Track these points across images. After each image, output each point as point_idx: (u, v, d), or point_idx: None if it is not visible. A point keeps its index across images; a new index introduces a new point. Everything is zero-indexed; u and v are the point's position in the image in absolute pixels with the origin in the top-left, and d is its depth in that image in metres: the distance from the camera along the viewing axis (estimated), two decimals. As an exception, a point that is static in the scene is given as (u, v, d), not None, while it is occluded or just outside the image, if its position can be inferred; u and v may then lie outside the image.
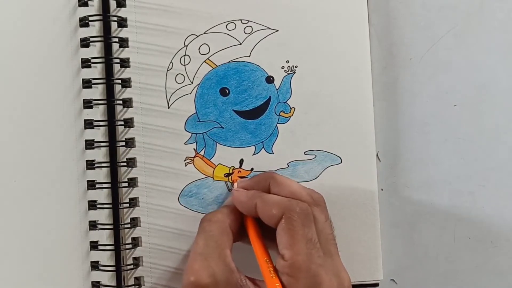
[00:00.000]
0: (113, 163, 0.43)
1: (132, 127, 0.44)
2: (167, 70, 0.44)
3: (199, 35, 0.44)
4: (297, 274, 0.35)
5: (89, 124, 0.43)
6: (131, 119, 0.44)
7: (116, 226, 0.43)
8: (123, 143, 0.43)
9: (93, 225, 0.43)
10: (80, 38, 0.43)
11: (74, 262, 0.43)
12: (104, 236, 0.43)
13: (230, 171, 0.45)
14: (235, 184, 0.43)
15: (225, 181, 0.45)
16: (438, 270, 0.47)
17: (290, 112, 0.45)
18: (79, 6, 0.44)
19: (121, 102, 0.43)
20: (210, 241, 0.38)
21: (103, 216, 0.43)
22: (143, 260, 0.44)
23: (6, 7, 0.43)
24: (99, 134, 0.43)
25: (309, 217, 0.37)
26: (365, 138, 0.45)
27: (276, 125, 0.45)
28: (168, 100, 0.44)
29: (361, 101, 0.45)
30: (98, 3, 0.43)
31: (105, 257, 0.43)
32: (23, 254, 0.43)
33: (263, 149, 0.44)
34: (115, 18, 0.43)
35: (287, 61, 0.45)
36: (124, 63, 0.44)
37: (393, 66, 0.47)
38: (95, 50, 0.43)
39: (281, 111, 0.45)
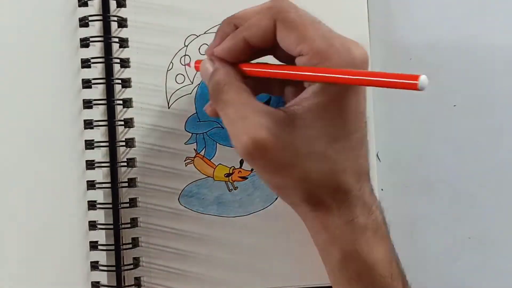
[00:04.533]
0: (113, 163, 0.43)
1: (132, 127, 0.44)
2: (167, 70, 0.44)
3: (199, 35, 0.44)
4: (326, 55, 0.33)
5: (89, 124, 0.43)
6: (131, 119, 0.44)
7: (116, 226, 0.43)
8: (123, 143, 0.43)
9: (93, 225, 0.43)
10: (80, 38, 0.43)
11: (74, 262, 0.43)
12: (104, 236, 0.43)
13: (231, 171, 0.45)
14: (203, 60, 0.38)
15: (225, 181, 0.45)
16: (438, 270, 0.47)
17: (290, 112, 0.45)
18: (79, 6, 0.43)
19: (121, 102, 0.43)
20: (235, 104, 0.35)
21: (103, 216, 0.43)
22: (143, 260, 0.44)
23: (6, 7, 0.43)
24: (99, 134, 0.43)
25: (293, 5, 0.35)
26: (365, 138, 0.45)
27: (276, 125, 0.45)
28: (168, 100, 0.44)
29: (361, 101, 0.45)
30: (98, 3, 0.43)
31: (105, 257, 0.43)
32: (23, 254, 0.43)
33: (263, 149, 0.44)
34: (115, 18, 0.43)
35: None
36: (124, 63, 0.44)
37: (393, 66, 0.47)
38: (95, 50, 0.43)
39: (281, 111, 0.45)
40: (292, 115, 0.34)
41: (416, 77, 0.29)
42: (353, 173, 0.35)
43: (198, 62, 0.40)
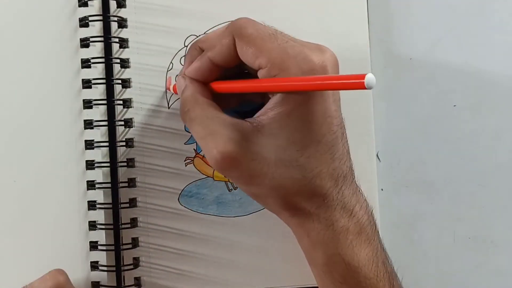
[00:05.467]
0: (113, 163, 0.43)
1: (132, 127, 0.44)
2: (167, 70, 0.44)
3: (199, 35, 0.44)
4: (284, 65, 0.34)
5: (89, 124, 0.43)
6: (131, 119, 0.44)
7: (116, 226, 0.43)
8: (123, 143, 0.44)
9: (93, 225, 0.43)
10: (80, 38, 0.43)
11: (74, 263, 0.43)
12: (104, 236, 0.43)
13: (230, 171, 0.44)
14: (178, 78, 0.40)
15: (225, 181, 0.45)
16: (438, 270, 0.47)
17: (290, 112, 0.45)
18: (79, 6, 0.44)
19: (121, 102, 0.43)
20: (203, 121, 0.36)
21: (103, 216, 0.43)
22: (143, 260, 0.44)
23: (6, 7, 0.43)
24: (99, 134, 0.43)
25: (251, 21, 0.36)
26: (365, 138, 0.45)
27: (276, 125, 0.45)
28: (168, 100, 0.44)
29: (361, 101, 0.45)
30: (98, 3, 0.43)
31: (105, 257, 0.43)
32: (23, 254, 0.43)
33: (263, 149, 0.44)
34: (115, 19, 0.43)
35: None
36: (124, 63, 0.44)
37: (393, 66, 0.47)
38: (95, 50, 0.43)
39: (281, 111, 0.45)
40: (259, 126, 0.35)
41: (362, 76, 0.29)
42: (328, 177, 0.36)
43: (175, 86, 0.41)
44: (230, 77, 0.38)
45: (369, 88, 0.29)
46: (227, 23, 0.38)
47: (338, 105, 0.37)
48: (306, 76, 0.34)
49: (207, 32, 0.44)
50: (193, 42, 0.39)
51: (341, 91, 0.38)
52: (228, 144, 0.35)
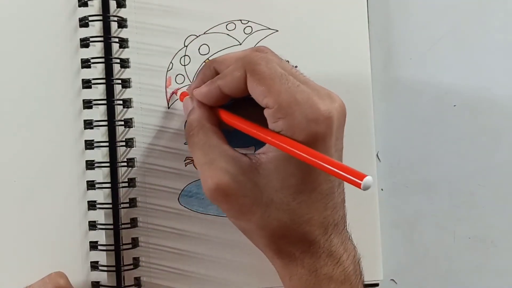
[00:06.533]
0: (113, 163, 0.43)
1: (132, 127, 0.44)
2: (167, 70, 0.44)
3: (199, 35, 0.44)
4: (290, 110, 0.34)
5: (89, 124, 0.43)
6: (131, 119, 0.44)
7: (116, 226, 0.43)
8: (123, 143, 0.44)
9: (93, 225, 0.43)
10: (80, 38, 0.43)
11: (73, 263, 0.43)
12: (104, 236, 0.43)
13: (230, 171, 0.44)
14: (185, 98, 0.41)
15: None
16: (438, 270, 0.47)
17: (290, 112, 0.45)
18: (79, 6, 0.44)
19: (121, 102, 0.43)
20: (204, 148, 0.37)
21: (103, 216, 0.43)
22: (143, 260, 0.44)
23: (6, 7, 0.43)
24: (99, 134, 0.43)
25: (267, 58, 0.36)
26: (365, 138, 0.45)
27: (276, 125, 0.45)
28: (168, 100, 0.44)
29: (361, 101, 0.45)
30: (98, 3, 0.43)
31: (105, 257, 0.43)
32: (23, 254, 0.43)
33: (263, 149, 0.44)
34: (115, 19, 0.43)
35: (287, 61, 0.45)
36: (124, 63, 0.44)
37: (393, 66, 0.47)
38: (95, 50, 0.43)
39: (281, 111, 0.45)
40: (257, 163, 0.35)
41: (362, 177, 0.30)
42: (318, 225, 0.36)
43: (183, 94, 0.42)
44: (238, 102, 0.38)
45: (364, 189, 0.30)
46: (243, 50, 0.38)
47: (339, 155, 0.37)
48: (309, 124, 0.34)
49: (207, 32, 0.44)
50: (209, 61, 0.39)
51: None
52: (224, 176, 0.35)
